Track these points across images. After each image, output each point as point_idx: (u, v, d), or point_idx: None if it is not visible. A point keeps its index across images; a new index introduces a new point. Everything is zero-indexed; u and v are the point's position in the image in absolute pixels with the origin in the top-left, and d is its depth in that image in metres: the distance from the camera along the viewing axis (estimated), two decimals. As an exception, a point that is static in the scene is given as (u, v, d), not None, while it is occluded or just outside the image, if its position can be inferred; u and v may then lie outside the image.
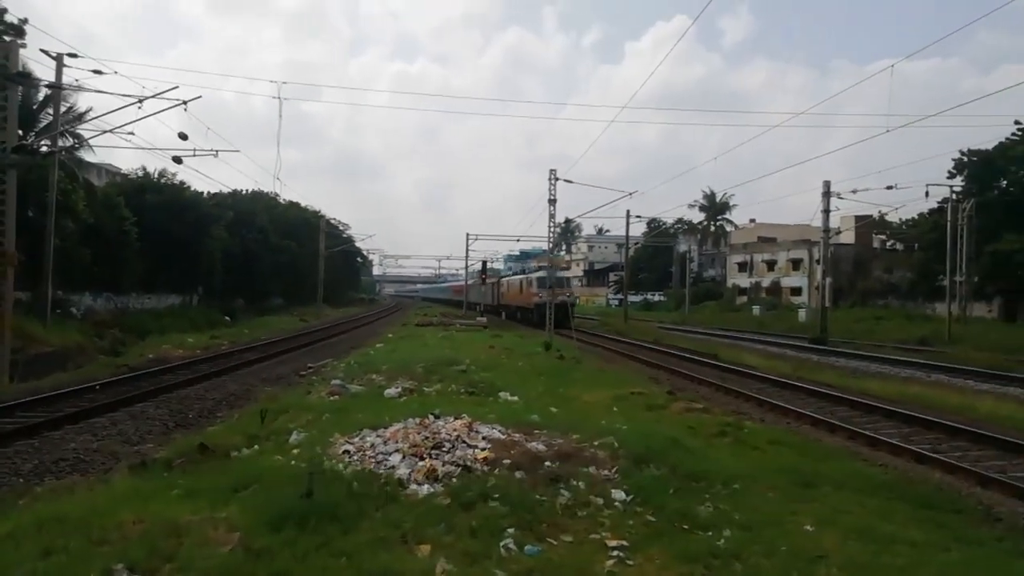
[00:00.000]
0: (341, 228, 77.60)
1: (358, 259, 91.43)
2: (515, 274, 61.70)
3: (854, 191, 33.89)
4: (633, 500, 6.82)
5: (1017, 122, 42.31)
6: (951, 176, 43.22)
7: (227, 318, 38.69)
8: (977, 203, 38.21)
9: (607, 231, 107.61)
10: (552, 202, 30.02)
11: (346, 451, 7.98)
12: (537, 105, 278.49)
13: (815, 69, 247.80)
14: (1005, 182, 42.86)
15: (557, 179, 29.95)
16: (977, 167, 42.89)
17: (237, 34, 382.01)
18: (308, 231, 60.06)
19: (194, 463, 8.19)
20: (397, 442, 8.08)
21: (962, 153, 43.26)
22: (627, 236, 56.20)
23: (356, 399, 12.75)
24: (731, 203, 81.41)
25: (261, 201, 55.70)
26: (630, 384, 16.56)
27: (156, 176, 37.26)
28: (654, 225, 73.58)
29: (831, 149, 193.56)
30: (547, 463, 7.63)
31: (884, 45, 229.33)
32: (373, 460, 7.60)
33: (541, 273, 41.84)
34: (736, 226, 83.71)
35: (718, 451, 9.46)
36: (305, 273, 58.22)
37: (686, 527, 6.22)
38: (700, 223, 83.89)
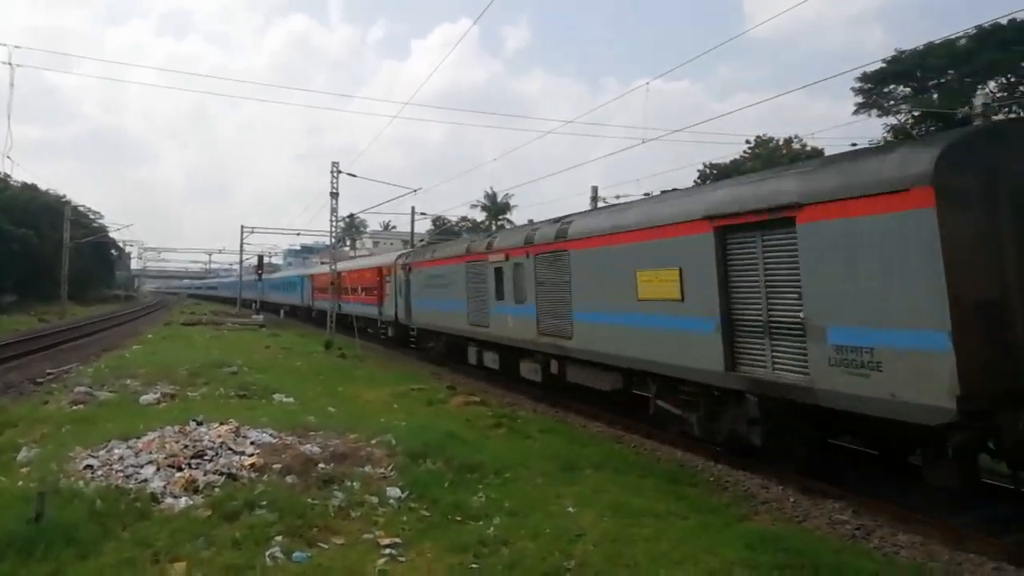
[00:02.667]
0: (92, 216, 69.56)
1: (112, 251, 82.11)
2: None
3: (617, 196, 36.85)
4: (408, 496, 6.88)
5: (747, 141, 49.22)
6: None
7: (-60, 318, 32.76)
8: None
9: (394, 227, 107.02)
10: (334, 195, 29.21)
11: (89, 466, 7.14)
12: (321, 95, 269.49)
13: (587, 83, 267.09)
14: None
15: (340, 172, 29.20)
16: (715, 179, 49.10)
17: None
18: (50, 218, 52.72)
19: None
20: (151, 453, 7.40)
21: (705, 166, 49.27)
22: (412, 233, 56.39)
23: (105, 407, 11.46)
24: (511, 203, 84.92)
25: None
26: (412, 381, 16.63)
27: None
28: (439, 223, 74.62)
29: (599, 156, 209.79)
30: (321, 465, 7.43)
31: (646, 67, 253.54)
32: (122, 474, 6.89)
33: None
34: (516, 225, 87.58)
35: (493, 442, 9.82)
36: (46, 266, 51.02)
37: (459, 518, 6.39)
38: (483, 222, 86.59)
